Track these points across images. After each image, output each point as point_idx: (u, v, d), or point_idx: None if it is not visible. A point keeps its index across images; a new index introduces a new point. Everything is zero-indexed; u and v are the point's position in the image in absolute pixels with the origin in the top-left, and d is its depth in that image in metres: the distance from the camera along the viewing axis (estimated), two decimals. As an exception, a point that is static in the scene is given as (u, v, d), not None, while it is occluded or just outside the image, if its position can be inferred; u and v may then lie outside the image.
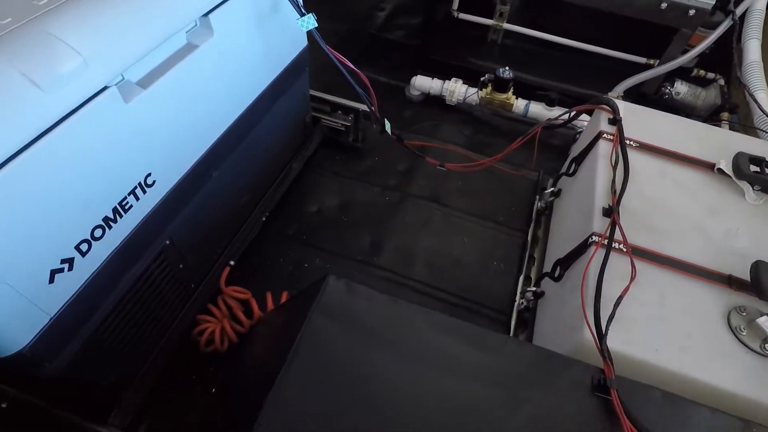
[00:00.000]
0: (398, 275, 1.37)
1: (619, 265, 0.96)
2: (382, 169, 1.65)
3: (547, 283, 1.20)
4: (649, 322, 0.89)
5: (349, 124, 1.63)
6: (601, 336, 0.82)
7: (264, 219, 1.39)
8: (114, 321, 0.92)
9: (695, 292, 0.95)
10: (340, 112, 1.63)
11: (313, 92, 1.57)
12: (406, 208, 1.54)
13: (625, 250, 0.98)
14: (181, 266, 1.08)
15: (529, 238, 1.46)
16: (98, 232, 0.80)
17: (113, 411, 1.01)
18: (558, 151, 1.74)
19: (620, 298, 0.88)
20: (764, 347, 0.87)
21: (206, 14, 0.91)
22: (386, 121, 1.33)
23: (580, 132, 1.68)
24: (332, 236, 1.45)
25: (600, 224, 1.05)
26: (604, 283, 0.92)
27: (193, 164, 1.00)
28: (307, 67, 1.39)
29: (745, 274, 0.98)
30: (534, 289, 1.25)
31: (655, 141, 1.25)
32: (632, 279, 0.91)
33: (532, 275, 1.38)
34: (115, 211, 0.82)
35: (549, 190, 1.50)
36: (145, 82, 0.82)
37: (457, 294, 1.34)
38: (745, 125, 1.64)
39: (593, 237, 1.02)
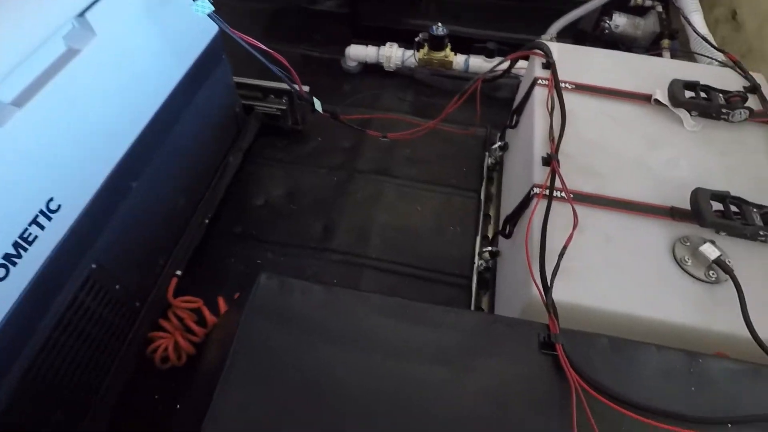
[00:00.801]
0: (354, 256, 1.34)
1: (562, 214, 0.94)
2: (327, 149, 1.59)
3: (501, 241, 1.18)
4: (595, 268, 0.88)
5: (284, 108, 1.56)
6: (546, 290, 0.80)
7: (207, 221, 1.33)
8: (48, 357, 0.87)
9: (639, 230, 0.94)
10: (272, 96, 1.55)
11: (239, 79, 1.48)
12: (356, 185, 1.50)
13: (566, 197, 0.96)
14: (117, 287, 1.02)
15: (483, 197, 1.43)
16: (1, 272, 0.74)
17: (72, 447, 0.97)
18: (504, 104, 1.70)
19: (564, 248, 0.86)
20: (709, 274, 0.87)
21: (82, 13, 0.83)
22: (315, 100, 1.27)
23: (523, 80, 1.64)
24: (282, 227, 1.40)
25: (541, 175, 1.02)
26: (550, 235, 0.90)
27: (105, 179, 0.93)
28: (224, 54, 1.31)
29: (686, 204, 0.97)
30: (490, 248, 1.23)
31: (591, 80, 1.21)
32: (574, 227, 0.89)
33: (490, 234, 1.36)
34: (16, 245, 0.76)
35: (496, 145, 1.46)
36: (20, 101, 0.74)
37: (417, 265, 1.32)
38: (684, 51, 1.62)
39: (535, 189, 0.99)
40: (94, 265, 0.94)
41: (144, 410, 1.09)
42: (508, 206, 1.29)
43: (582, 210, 0.94)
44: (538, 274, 0.83)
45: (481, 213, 1.40)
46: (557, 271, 0.83)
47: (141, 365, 1.12)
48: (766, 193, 1.01)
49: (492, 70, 1.45)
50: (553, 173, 0.98)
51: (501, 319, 0.76)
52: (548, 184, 0.97)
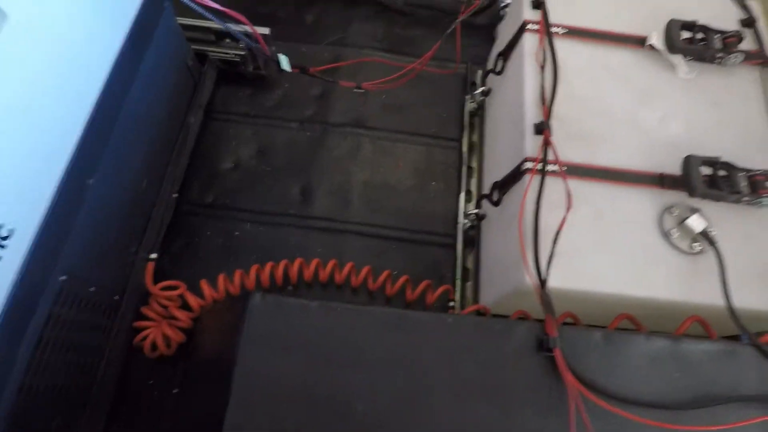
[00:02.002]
0: (337, 221, 1.29)
1: (555, 189, 0.91)
2: (296, 97, 1.45)
3: (487, 204, 1.15)
4: (585, 249, 0.88)
5: (244, 53, 1.38)
6: (542, 283, 0.80)
7: (175, 195, 1.23)
8: (36, 377, 0.83)
9: (629, 201, 0.93)
10: (228, 40, 1.36)
11: (184, 21, 1.27)
12: (331, 140, 1.40)
13: (559, 171, 0.92)
14: (92, 289, 0.97)
15: (465, 149, 1.37)
16: (-38, 316, 0.67)
17: (77, 443, 0.99)
18: (484, 33, 1.56)
19: (558, 233, 0.85)
20: (693, 246, 0.89)
21: (-19, -6, 0.66)
22: (281, 57, 1.12)
23: (506, 6, 1.49)
24: (257, 193, 1.32)
25: (532, 145, 0.96)
26: (542, 214, 0.88)
27: (56, 186, 0.82)
28: None
29: (678, 168, 0.95)
30: (476, 211, 1.21)
31: (584, 21, 1.11)
32: (568, 209, 0.87)
33: (473, 188, 1.33)
34: (-28, 284, 0.68)
35: (479, 90, 1.37)
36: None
37: (401, 227, 1.30)
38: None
39: (527, 163, 0.95)
40: (63, 277, 0.87)
41: (139, 395, 1.11)
42: (492, 163, 1.25)
43: (573, 184, 0.91)
44: (532, 262, 0.83)
45: (464, 166, 1.35)
46: (552, 259, 0.82)
47: (130, 355, 1.11)
48: (753, 148, 1.00)
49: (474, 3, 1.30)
50: (546, 146, 0.93)
51: (498, 322, 0.76)
52: (541, 157, 0.92)
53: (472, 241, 1.26)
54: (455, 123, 1.44)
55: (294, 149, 1.39)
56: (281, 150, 1.38)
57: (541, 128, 0.95)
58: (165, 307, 1.12)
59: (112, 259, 1.05)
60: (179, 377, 1.12)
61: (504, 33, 1.28)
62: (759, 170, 0.91)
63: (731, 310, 0.81)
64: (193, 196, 1.30)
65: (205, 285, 1.14)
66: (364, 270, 1.18)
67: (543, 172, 0.91)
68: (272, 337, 0.74)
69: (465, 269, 1.24)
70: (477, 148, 1.37)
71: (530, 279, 0.83)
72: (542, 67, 1.03)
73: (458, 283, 1.21)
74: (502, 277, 0.99)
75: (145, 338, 1.10)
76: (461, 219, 1.28)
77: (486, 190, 1.25)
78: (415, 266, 1.25)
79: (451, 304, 1.18)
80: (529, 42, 1.08)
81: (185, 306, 1.14)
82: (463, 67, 1.50)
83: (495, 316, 1.08)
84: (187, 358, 1.13)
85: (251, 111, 1.43)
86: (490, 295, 1.10)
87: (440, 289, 1.17)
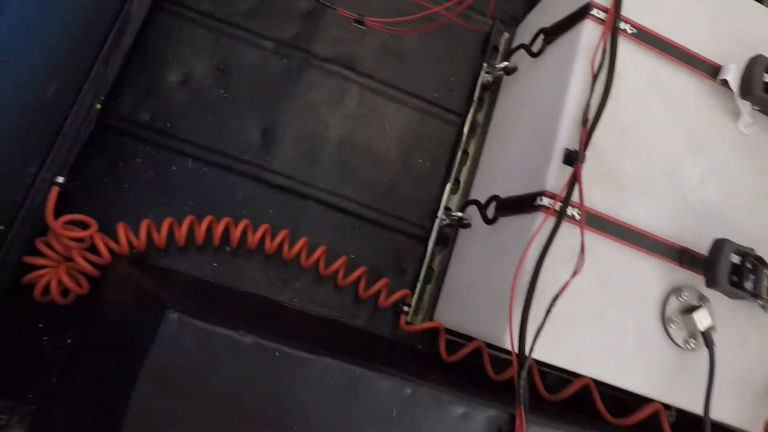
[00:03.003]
0: (298, 182, 1.08)
1: (568, 239, 0.75)
2: (277, 7, 1.14)
3: (476, 213, 0.98)
4: (579, 319, 0.75)
5: (218, -73, 1.03)
6: (522, 365, 0.67)
7: (99, 107, 0.95)
8: None
9: (640, 272, 0.79)
10: None
11: None
12: (311, 77, 1.13)
13: (579, 218, 0.76)
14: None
15: (466, 129, 1.15)
16: None
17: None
18: (525, -14, 1.27)
19: (556, 297, 0.71)
20: (687, 342, 0.79)
21: None
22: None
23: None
24: (207, 122, 1.06)
25: (556, 177, 0.78)
26: (544, 267, 0.73)
27: None
28: None
29: (701, 243, 0.81)
30: (460, 215, 1.04)
31: (658, 24, 0.88)
32: (576, 272, 0.72)
33: (462, 178, 1.15)
34: None
35: (501, 64, 1.12)
36: None
37: (371, 205, 1.11)
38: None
39: (544, 199, 0.77)
40: None
41: (26, 340, 0.93)
42: (495, 159, 1.07)
43: (588, 237, 0.76)
44: (517, 332, 0.69)
45: (460, 149, 1.15)
46: (540, 333, 0.69)
47: (17, 291, 0.90)
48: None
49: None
50: (573, 185, 0.75)
51: (460, 403, 0.63)
52: (563, 197, 0.75)
53: (446, 239, 1.10)
54: (462, 90, 1.20)
55: (262, 77, 1.11)
56: (246, 74, 1.10)
57: (573, 159, 0.77)
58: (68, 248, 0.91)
59: (-3, 182, 0.81)
60: (75, 328, 0.94)
61: (554, 2, 1.02)
62: (787, 272, 0.79)
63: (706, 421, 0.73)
64: (125, 109, 1.03)
65: (122, 229, 0.93)
66: (318, 251, 1.01)
67: (560, 217, 0.74)
68: (184, 375, 0.57)
69: (429, 269, 1.10)
70: (479, 131, 1.17)
71: (509, 345, 0.70)
72: (594, 77, 0.81)
73: (419, 285, 1.08)
74: (476, 315, 0.86)
75: (37, 278, 0.90)
76: (441, 213, 1.11)
77: (477, 190, 1.08)
78: (377, 253, 1.10)
79: (406, 309, 1.05)
80: (589, 33, 0.84)
81: (93, 249, 0.93)
82: (488, 24, 1.23)
83: (448, 331, 0.98)
84: (86, 310, 0.94)
85: (216, 12, 1.10)
86: (451, 316, 0.98)
87: (397, 294, 1.03)
